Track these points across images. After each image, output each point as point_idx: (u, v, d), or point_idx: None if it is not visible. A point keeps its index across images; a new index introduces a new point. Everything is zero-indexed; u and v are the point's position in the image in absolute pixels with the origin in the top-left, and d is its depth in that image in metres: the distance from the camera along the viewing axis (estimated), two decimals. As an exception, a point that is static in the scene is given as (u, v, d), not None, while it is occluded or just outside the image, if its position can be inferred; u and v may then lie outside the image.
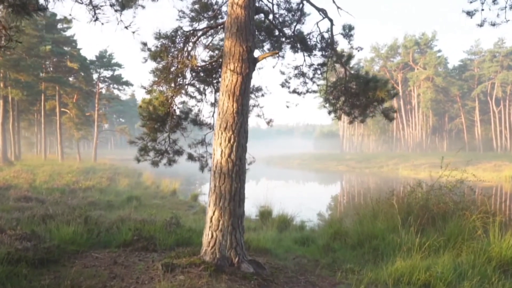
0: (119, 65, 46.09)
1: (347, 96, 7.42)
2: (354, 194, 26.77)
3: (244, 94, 5.28)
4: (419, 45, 76.73)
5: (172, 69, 6.43)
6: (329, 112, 8.14)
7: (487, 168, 40.95)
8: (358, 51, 7.10)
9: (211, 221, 5.17)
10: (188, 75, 7.00)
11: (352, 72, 7.01)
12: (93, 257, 5.76)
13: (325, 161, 67.09)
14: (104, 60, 44.55)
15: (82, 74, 38.92)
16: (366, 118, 7.86)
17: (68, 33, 38.59)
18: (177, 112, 6.93)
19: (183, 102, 7.06)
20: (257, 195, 14.43)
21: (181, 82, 6.92)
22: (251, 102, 7.67)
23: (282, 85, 8.04)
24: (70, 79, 40.70)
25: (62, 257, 5.55)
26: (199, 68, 7.12)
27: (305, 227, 11.60)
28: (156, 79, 6.34)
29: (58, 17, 34.06)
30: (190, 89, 7.33)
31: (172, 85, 6.59)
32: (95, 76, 44.44)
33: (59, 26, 37.17)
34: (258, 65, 5.84)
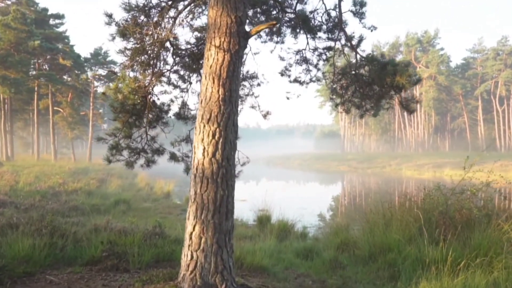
0: (115, 63, 44.90)
1: (357, 85, 6.31)
2: (358, 196, 25.65)
3: (232, 77, 4.17)
4: (421, 43, 75.57)
5: (148, 50, 5.32)
6: (336, 105, 7.04)
7: (493, 168, 39.68)
8: (372, 31, 5.98)
9: (190, 238, 4.06)
10: (170, 59, 5.88)
11: (365, 56, 5.89)
12: (47, 281, 4.65)
13: (326, 161, 66.06)
14: (99, 58, 43.32)
15: (76, 72, 37.71)
16: (379, 111, 6.76)
17: (61, 29, 37.43)
18: (157, 103, 5.81)
19: (165, 92, 5.95)
20: (255, 197, 13.31)
21: (162, 68, 5.80)
22: (245, 91, 6.55)
23: (282, 74, 6.93)
24: (65, 77, 39.54)
25: (6, 282, 4.44)
26: (183, 52, 6.01)
27: (307, 234, 10.50)
28: (127, 61, 5.23)
29: (50, 12, 32.93)
30: (174, 77, 6.22)
31: (150, 70, 5.48)
32: (90, 74, 43.23)
33: (52, 22, 36.00)
34: (253, 49, 4.75)
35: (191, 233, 4.06)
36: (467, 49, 79.32)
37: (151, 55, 5.31)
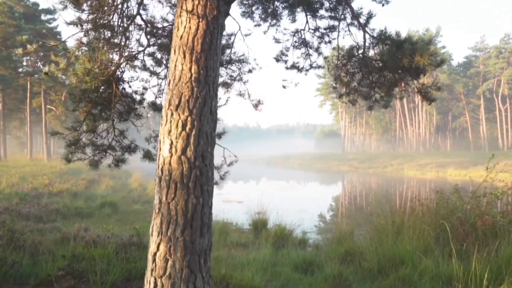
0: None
1: (366, 71, 5.35)
2: (361, 197, 24.69)
3: (209, 50, 3.22)
4: (423, 41, 74.47)
5: (114, 26, 4.37)
6: (340, 96, 6.09)
7: (498, 168, 38.69)
8: (383, 5, 5.03)
9: (154, 261, 3.11)
10: (144, 40, 4.93)
11: (375, 34, 4.93)
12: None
13: (327, 161, 65.17)
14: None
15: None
16: (391, 102, 5.81)
17: (53, 24, 36.37)
18: (128, 91, 4.87)
19: (137, 78, 5.01)
20: (253, 198, 12.36)
21: (133, 50, 4.85)
22: (229, 72, 5.57)
23: (277, 59, 5.97)
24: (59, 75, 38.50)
25: None
26: (160, 32, 5.06)
27: (307, 241, 9.55)
28: (84, 37, 4.28)
29: (40, 8, 31.87)
30: (149, 62, 5.27)
31: (116, 50, 4.53)
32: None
33: (44, 17, 34.93)
34: (243, 30, 3.76)
35: (155, 254, 3.11)
36: (469, 47, 78.10)
37: (118, 32, 4.37)
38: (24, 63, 37.84)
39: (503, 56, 67.53)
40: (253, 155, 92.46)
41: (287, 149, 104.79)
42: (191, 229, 3.07)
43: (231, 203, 18.63)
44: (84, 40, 4.25)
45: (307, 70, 5.96)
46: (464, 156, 52.56)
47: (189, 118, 3.11)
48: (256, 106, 5.65)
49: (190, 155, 3.09)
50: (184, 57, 3.18)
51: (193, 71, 3.16)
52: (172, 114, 3.15)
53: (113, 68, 4.17)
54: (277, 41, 5.77)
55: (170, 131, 3.13)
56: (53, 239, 6.41)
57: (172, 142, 3.11)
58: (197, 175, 3.10)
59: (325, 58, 5.81)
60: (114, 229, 7.54)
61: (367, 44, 5.14)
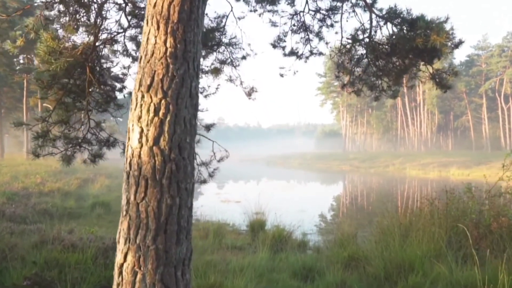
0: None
1: (372, 57, 4.81)
2: (364, 197, 24.13)
3: (188, 21, 2.68)
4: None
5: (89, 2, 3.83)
6: (343, 86, 5.55)
7: (501, 167, 38.04)
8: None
9: (120, 273, 2.58)
10: (124, 21, 4.40)
11: (384, 13, 4.39)
12: None
13: (328, 161, 64.64)
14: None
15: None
16: (399, 92, 5.28)
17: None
18: (105, 77, 4.33)
19: (117, 64, 4.47)
20: (252, 198, 11.83)
21: (111, 32, 4.31)
22: (220, 57, 5.02)
23: (274, 45, 5.43)
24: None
25: None
26: (143, 13, 4.51)
27: (307, 243, 9.02)
28: (45, 10, 3.73)
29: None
30: (131, 46, 4.73)
31: (90, 30, 3.99)
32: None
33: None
34: (236, 12, 3.23)
35: (121, 266, 2.58)
36: (471, 46, 77.34)
37: (91, 9, 3.83)
38: (21, 61, 37.31)
39: (506, 55, 66.87)
40: (253, 154, 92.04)
41: (287, 149, 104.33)
42: (165, 235, 2.54)
43: (229, 203, 18.10)
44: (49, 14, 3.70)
45: (307, 57, 5.42)
46: (466, 156, 51.99)
47: (163, 101, 2.57)
48: (249, 94, 5.10)
49: (164, 145, 2.55)
50: (158, 28, 2.64)
51: (168, 44, 2.62)
52: (143, 97, 2.61)
53: (81, 48, 3.63)
54: (274, 24, 5.22)
55: (140, 117, 2.59)
56: (31, 243, 5.88)
57: (142, 130, 2.57)
58: (173, 170, 2.56)
59: (326, 43, 5.26)
60: (100, 231, 7.02)
61: (373, 26, 4.58)
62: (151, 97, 2.58)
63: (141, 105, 2.61)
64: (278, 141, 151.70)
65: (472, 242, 5.88)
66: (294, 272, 5.83)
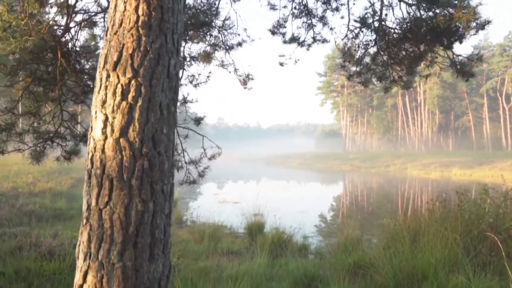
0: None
1: (382, 43, 4.30)
2: (366, 198, 23.60)
3: (166, -17, 2.17)
4: None
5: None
6: (349, 76, 5.03)
7: (504, 168, 37.66)
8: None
9: (79, 297, 2.06)
10: (103, 0, 3.89)
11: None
12: None
13: (328, 161, 64.18)
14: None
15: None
16: (412, 82, 4.77)
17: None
18: (82, 64, 3.81)
19: (97, 50, 3.95)
20: (250, 199, 11.32)
21: (91, 12, 3.82)
22: (211, 40, 4.49)
23: (273, 31, 4.91)
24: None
25: None
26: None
27: (309, 247, 8.53)
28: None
29: None
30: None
31: (63, 10, 3.47)
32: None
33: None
34: None
35: (81, 287, 2.06)
36: (472, 45, 76.86)
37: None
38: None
39: (507, 54, 66.38)
40: (253, 154, 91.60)
41: (287, 149, 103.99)
42: (135, 250, 2.02)
43: (227, 203, 17.58)
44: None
45: (309, 45, 4.91)
46: (467, 156, 51.56)
47: (132, 82, 2.06)
48: (244, 82, 4.58)
49: (133, 137, 2.04)
50: (127, -9, 2.12)
51: (140, 12, 2.11)
52: (108, 76, 2.10)
53: (46, 26, 3.13)
54: (273, 7, 4.70)
55: (104, 102, 2.08)
56: (6, 249, 5.37)
57: (107, 118, 2.06)
58: (145, 168, 2.05)
59: (331, 29, 4.75)
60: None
61: (385, 5, 4.07)
62: (118, 77, 2.07)
63: (106, 87, 2.09)
64: (278, 141, 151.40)
65: (490, 248, 5.40)
66: (295, 281, 5.32)
